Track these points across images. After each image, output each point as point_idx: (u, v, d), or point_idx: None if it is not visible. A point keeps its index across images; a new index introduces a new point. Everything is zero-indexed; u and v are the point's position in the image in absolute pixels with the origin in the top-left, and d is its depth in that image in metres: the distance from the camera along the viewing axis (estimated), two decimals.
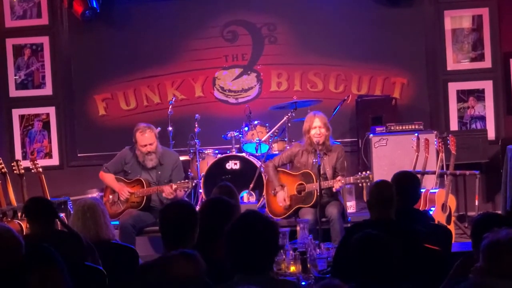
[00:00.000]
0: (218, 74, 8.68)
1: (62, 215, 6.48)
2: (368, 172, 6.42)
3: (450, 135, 7.30)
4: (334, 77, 8.60)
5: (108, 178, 6.67)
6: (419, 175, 6.62)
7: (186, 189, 6.52)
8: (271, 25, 8.64)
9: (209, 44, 8.64)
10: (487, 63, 8.45)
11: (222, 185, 5.22)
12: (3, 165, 6.59)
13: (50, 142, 8.68)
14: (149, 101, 8.69)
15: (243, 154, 7.47)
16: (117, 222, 6.32)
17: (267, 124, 7.65)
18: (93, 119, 8.71)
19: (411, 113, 8.30)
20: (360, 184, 6.42)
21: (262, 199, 7.01)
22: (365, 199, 7.10)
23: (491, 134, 8.31)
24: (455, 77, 8.50)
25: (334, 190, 6.42)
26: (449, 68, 8.50)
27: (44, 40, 8.65)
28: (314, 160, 6.37)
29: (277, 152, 7.35)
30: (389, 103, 8.20)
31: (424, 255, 4.03)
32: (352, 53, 8.55)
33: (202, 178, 7.32)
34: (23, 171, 6.57)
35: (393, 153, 7.60)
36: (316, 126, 6.43)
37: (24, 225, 5.72)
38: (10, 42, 8.64)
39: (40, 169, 6.71)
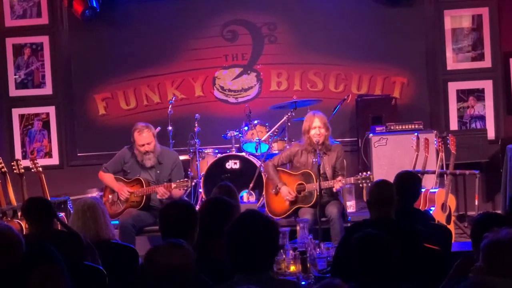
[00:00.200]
0: (218, 74, 8.68)
1: (62, 214, 6.47)
2: (368, 172, 6.42)
3: (450, 134, 7.30)
4: (334, 76, 8.60)
5: (107, 178, 6.66)
6: (419, 175, 6.64)
7: (185, 188, 6.52)
8: (271, 25, 8.64)
9: (209, 44, 8.64)
10: (487, 63, 8.45)
11: (222, 185, 5.22)
12: (3, 165, 6.58)
13: (50, 141, 8.68)
14: (149, 100, 8.69)
15: (243, 154, 7.47)
16: (117, 222, 6.32)
17: (267, 124, 7.66)
18: (93, 118, 8.71)
19: (411, 112, 8.30)
20: (360, 185, 6.42)
21: (262, 198, 7.01)
22: (365, 199, 7.11)
23: (491, 134, 8.31)
24: (455, 76, 8.50)
25: (334, 190, 6.42)
26: (449, 68, 8.50)
27: (44, 39, 8.65)
28: (314, 160, 6.37)
29: (277, 152, 7.34)
30: (389, 103, 8.21)
31: (424, 254, 4.04)
32: (352, 52, 8.55)
33: (202, 178, 7.32)
34: (23, 170, 6.56)
35: (393, 153, 7.60)
36: (316, 126, 6.42)
37: (24, 224, 5.72)
38: (10, 42, 8.64)
39: (40, 169, 6.70)
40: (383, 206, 4.26)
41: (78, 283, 3.32)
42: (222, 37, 8.65)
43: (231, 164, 7.40)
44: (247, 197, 7.14)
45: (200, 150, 7.58)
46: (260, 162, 7.14)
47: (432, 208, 6.59)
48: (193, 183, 7.22)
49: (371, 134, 7.73)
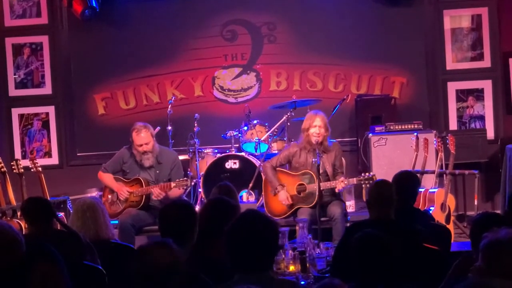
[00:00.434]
0: (217, 74, 8.69)
1: (61, 214, 6.48)
2: (371, 173, 6.40)
3: (449, 134, 7.30)
4: (333, 76, 8.60)
5: (107, 178, 6.66)
6: (418, 175, 6.64)
7: (185, 187, 6.52)
8: (271, 25, 8.64)
9: (208, 44, 8.64)
10: (486, 63, 8.46)
11: (221, 185, 5.22)
12: (2, 164, 6.58)
13: (49, 141, 8.68)
14: (149, 100, 8.69)
15: (243, 154, 7.47)
16: (116, 222, 6.32)
17: (266, 124, 7.66)
18: (92, 118, 8.70)
19: (410, 112, 8.31)
20: (363, 185, 6.40)
21: (261, 198, 7.00)
22: (364, 199, 7.11)
23: (490, 134, 8.32)
24: (454, 76, 8.50)
25: (337, 191, 6.42)
26: (448, 68, 8.50)
27: (44, 39, 8.65)
28: (313, 160, 6.36)
29: (276, 152, 7.34)
30: (388, 103, 8.21)
31: (424, 254, 4.04)
32: (352, 52, 8.55)
33: (202, 178, 7.32)
34: (22, 170, 6.56)
35: (393, 153, 7.61)
36: (317, 125, 6.41)
37: (23, 224, 5.71)
38: (9, 41, 8.64)
39: (40, 169, 6.70)
40: (383, 206, 4.27)
41: (77, 283, 3.33)
42: (222, 37, 8.65)
43: (231, 164, 7.40)
44: (246, 197, 7.14)
45: (200, 150, 7.58)
46: (259, 162, 7.14)
47: (431, 208, 6.60)
48: (193, 183, 7.22)
49: (370, 134, 7.73)
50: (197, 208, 6.94)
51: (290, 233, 5.15)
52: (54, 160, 8.67)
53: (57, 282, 2.94)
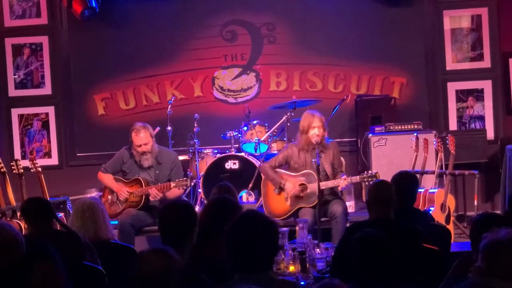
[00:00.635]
0: (217, 74, 8.69)
1: (61, 214, 6.47)
2: (374, 171, 6.39)
3: (449, 135, 7.30)
4: (333, 76, 8.60)
5: (107, 178, 6.66)
6: (418, 175, 6.65)
7: (184, 187, 6.52)
8: (270, 25, 8.64)
9: (208, 44, 8.64)
10: (486, 63, 8.46)
11: (221, 185, 5.22)
12: (2, 165, 6.57)
13: (49, 141, 8.67)
14: (148, 100, 8.69)
15: (242, 154, 7.47)
16: (116, 222, 6.32)
17: (266, 124, 7.66)
18: (92, 118, 8.70)
19: (410, 112, 8.30)
20: (366, 183, 6.38)
21: (261, 198, 6.99)
22: (364, 199, 7.11)
23: (490, 134, 8.32)
24: (454, 77, 8.50)
25: (339, 189, 6.41)
26: (448, 68, 8.50)
27: (43, 39, 8.65)
28: (313, 160, 6.35)
29: (276, 152, 7.34)
30: (388, 103, 8.21)
31: (423, 255, 4.04)
32: (351, 52, 8.55)
33: (201, 178, 7.32)
34: (22, 170, 6.56)
35: (392, 153, 7.61)
36: (316, 126, 6.40)
37: (23, 225, 5.71)
38: (9, 42, 8.64)
39: (39, 169, 6.70)
40: (383, 206, 4.27)
41: (77, 283, 3.33)
42: (222, 37, 8.65)
43: (230, 164, 7.39)
44: (246, 197, 7.13)
45: (199, 150, 7.58)
46: (259, 162, 7.13)
47: (431, 208, 6.60)
48: (192, 183, 7.22)
49: (370, 134, 7.73)
50: (197, 208, 6.95)
51: (290, 233, 5.15)
52: (53, 160, 8.67)
53: (57, 282, 2.94)
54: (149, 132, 6.55)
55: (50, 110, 8.67)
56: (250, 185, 7.06)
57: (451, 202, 6.82)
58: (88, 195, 7.27)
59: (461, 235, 6.99)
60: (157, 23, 8.64)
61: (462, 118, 8.49)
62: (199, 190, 7.36)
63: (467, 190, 8.05)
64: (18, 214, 5.99)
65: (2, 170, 6.56)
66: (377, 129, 7.75)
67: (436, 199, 6.67)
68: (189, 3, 8.67)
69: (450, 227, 6.57)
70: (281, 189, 6.51)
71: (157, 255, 2.79)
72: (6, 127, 8.66)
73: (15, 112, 8.67)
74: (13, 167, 6.57)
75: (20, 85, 8.67)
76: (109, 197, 6.68)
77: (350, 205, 7.43)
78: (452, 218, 6.83)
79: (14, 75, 8.65)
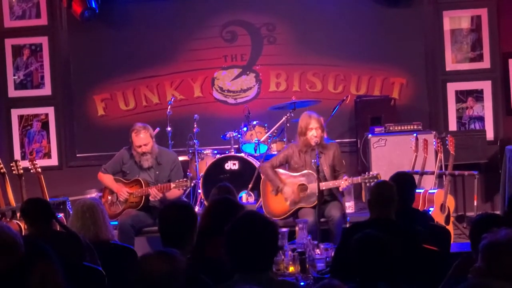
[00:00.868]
0: (217, 74, 8.69)
1: (61, 215, 6.47)
2: (376, 172, 6.39)
3: (449, 135, 7.30)
4: (333, 77, 8.61)
5: (107, 179, 6.66)
6: (418, 176, 6.65)
7: (184, 188, 6.52)
8: (270, 25, 8.64)
9: (208, 44, 8.63)
10: (486, 64, 8.46)
11: (221, 186, 5.22)
12: (1, 165, 6.57)
13: (49, 142, 8.67)
14: (148, 101, 8.69)
15: (242, 155, 7.47)
16: (116, 223, 6.32)
17: (266, 125, 7.66)
18: (92, 119, 8.70)
19: (410, 113, 8.30)
20: (368, 184, 6.38)
21: (260, 199, 6.99)
22: (363, 199, 7.12)
23: (490, 135, 8.31)
24: (454, 77, 8.50)
25: (340, 189, 6.41)
26: (448, 69, 8.51)
27: (43, 40, 8.65)
28: (313, 161, 6.35)
29: (276, 153, 7.34)
30: (388, 104, 8.21)
31: (423, 255, 4.04)
32: (351, 53, 8.55)
33: (201, 179, 7.32)
34: (22, 171, 6.56)
35: (392, 154, 7.61)
36: (313, 127, 6.40)
37: (23, 225, 5.71)
38: (9, 42, 8.64)
39: (39, 170, 6.69)
40: (383, 207, 4.27)
41: (77, 284, 3.33)
42: (221, 38, 8.65)
43: (230, 165, 7.40)
44: (246, 198, 7.14)
45: (199, 151, 7.58)
46: (259, 163, 7.13)
47: (431, 209, 6.60)
48: (192, 184, 7.22)
49: (370, 135, 7.73)
50: (197, 209, 6.95)
51: (290, 234, 5.15)
52: (53, 161, 8.67)
53: (56, 283, 2.94)
54: (149, 132, 6.55)
55: (50, 110, 8.67)
56: (250, 186, 7.06)
57: (450, 202, 6.82)
58: (88, 196, 7.27)
59: (460, 236, 7.00)
60: (157, 23, 8.64)
61: (461, 118, 8.49)
62: (199, 191, 7.36)
63: (466, 190, 8.05)
64: (18, 214, 5.99)
65: (2, 170, 6.56)
66: (377, 129, 7.75)
67: (435, 199, 6.67)
68: (189, 3, 8.67)
69: (450, 227, 6.57)
70: (278, 192, 6.52)
71: (162, 258, 2.78)
72: (6, 127, 8.66)
73: (15, 113, 8.67)
74: (12, 168, 6.57)
75: (20, 85, 8.67)
76: (109, 197, 6.69)
77: (350, 206, 7.42)
78: (451, 219, 6.83)
79: (14, 75, 8.65)
